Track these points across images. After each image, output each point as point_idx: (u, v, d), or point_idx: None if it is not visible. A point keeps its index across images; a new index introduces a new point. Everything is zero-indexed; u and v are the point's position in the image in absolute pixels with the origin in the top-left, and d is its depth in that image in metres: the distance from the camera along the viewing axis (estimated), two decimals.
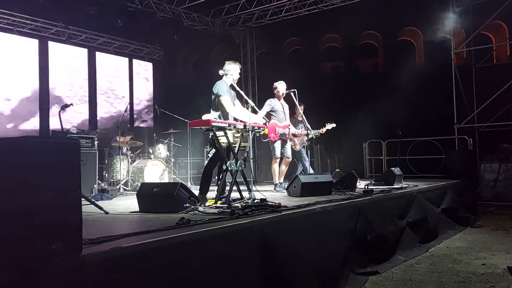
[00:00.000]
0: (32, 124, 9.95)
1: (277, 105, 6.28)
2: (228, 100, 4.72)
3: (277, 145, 6.16)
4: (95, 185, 6.57)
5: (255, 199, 4.11)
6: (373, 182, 6.41)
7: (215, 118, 4.64)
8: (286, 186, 5.63)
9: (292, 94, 6.16)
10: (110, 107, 11.58)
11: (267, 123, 5.63)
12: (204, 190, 4.69)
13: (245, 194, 4.35)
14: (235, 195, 4.39)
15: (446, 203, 6.27)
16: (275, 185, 6.15)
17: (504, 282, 3.66)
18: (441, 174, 8.24)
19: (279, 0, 9.67)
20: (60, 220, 1.92)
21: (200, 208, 3.75)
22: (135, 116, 12.30)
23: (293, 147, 6.69)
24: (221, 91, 4.71)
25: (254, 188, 4.41)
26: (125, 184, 7.31)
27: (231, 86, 4.84)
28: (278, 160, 6.21)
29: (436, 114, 9.01)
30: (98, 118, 11.22)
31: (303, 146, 6.94)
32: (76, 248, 1.99)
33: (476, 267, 4.15)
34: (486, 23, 8.75)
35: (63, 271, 1.87)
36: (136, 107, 12.39)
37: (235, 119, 4.77)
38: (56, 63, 10.45)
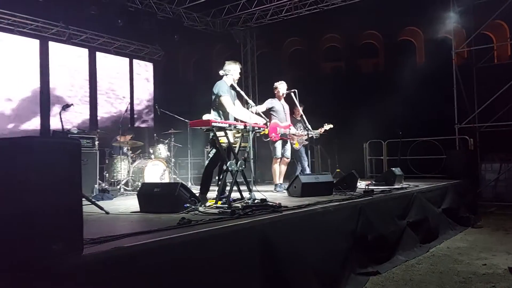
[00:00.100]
0: (33, 124, 9.96)
1: (277, 105, 6.28)
2: (228, 100, 4.72)
3: (278, 145, 6.16)
4: (95, 185, 6.57)
5: (255, 199, 4.12)
6: (373, 182, 6.40)
7: (216, 118, 4.64)
8: (286, 186, 5.63)
9: (292, 94, 6.16)
10: (110, 107, 11.59)
11: (268, 123, 5.63)
12: (204, 190, 4.69)
13: (246, 194, 4.35)
14: (235, 195, 4.39)
15: (447, 203, 6.27)
16: (276, 185, 6.15)
17: (505, 283, 3.66)
18: (442, 174, 8.23)
19: (280, 0, 9.67)
20: (61, 220, 1.93)
21: (201, 208, 3.75)
22: (135, 116, 12.30)
23: (293, 145, 6.70)
24: (222, 91, 4.71)
25: (254, 188, 4.41)
26: (126, 184, 7.31)
27: (232, 86, 4.84)
28: (279, 160, 6.21)
29: (437, 114, 9.00)
30: (98, 118, 11.22)
31: (302, 146, 6.95)
32: (77, 248, 1.99)
33: (477, 268, 4.15)
34: (487, 23, 8.75)
35: (64, 271, 1.87)
36: (137, 107, 12.39)
37: (235, 119, 4.77)
38: (56, 63, 10.45)
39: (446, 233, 5.76)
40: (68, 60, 10.69)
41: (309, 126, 6.27)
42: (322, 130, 6.91)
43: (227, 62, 4.96)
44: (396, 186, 6.01)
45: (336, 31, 12.09)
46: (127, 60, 12.14)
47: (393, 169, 6.44)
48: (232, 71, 4.87)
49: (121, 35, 11.23)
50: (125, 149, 7.60)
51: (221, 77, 4.84)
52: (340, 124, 7.15)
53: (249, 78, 11.60)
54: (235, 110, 4.81)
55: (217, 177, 5.18)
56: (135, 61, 12.35)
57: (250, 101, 4.77)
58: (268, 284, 2.91)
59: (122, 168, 7.39)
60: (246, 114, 4.77)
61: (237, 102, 5.01)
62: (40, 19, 9.79)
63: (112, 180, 7.45)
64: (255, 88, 11.66)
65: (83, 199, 3.23)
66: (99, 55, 11.39)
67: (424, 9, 9.67)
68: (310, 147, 6.72)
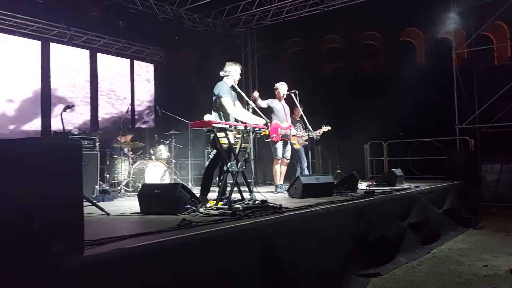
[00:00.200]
0: (34, 125, 9.97)
1: (277, 105, 6.29)
2: (229, 101, 4.72)
3: (279, 146, 6.16)
4: (96, 186, 6.57)
5: (256, 200, 4.12)
6: (374, 183, 6.40)
7: (216, 119, 4.64)
8: (286, 187, 5.62)
9: (293, 95, 6.17)
10: (111, 108, 11.60)
11: (268, 123, 5.63)
12: (205, 191, 4.69)
13: (246, 195, 4.35)
14: (236, 196, 4.39)
15: (448, 204, 6.25)
16: (276, 186, 6.15)
17: (506, 284, 3.66)
18: (443, 175, 8.21)
19: (280, 1, 9.68)
20: (61, 221, 1.93)
21: (201, 209, 3.75)
22: (136, 117, 12.31)
23: (293, 145, 6.70)
24: (222, 92, 4.71)
25: (255, 189, 4.41)
26: (126, 185, 7.31)
27: (232, 87, 4.84)
28: (280, 161, 6.21)
29: (437, 115, 9.00)
30: (99, 119, 11.24)
31: (302, 146, 6.95)
32: (78, 249, 1.99)
33: (478, 269, 4.14)
34: (487, 24, 8.74)
35: (65, 272, 1.87)
36: (138, 108, 12.40)
37: (236, 120, 4.78)
38: (58, 65, 10.47)
39: (447, 234, 5.75)
40: (69, 61, 10.71)
41: (310, 127, 6.27)
42: (320, 131, 6.92)
43: (227, 63, 4.97)
44: (397, 187, 6.00)
45: (337, 32, 12.10)
46: (128, 61, 12.17)
47: (394, 170, 6.43)
48: (232, 72, 4.88)
49: (122, 36, 11.25)
50: (125, 150, 7.61)
51: (221, 78, 4.85)
52: (341, 125, 7.16)
53: (250, 79, 11.60)
54: (235, 111, 4.82)
55: (217, 178, 5.18)
56: (136, 62, 12.37)
57: (250, 102, 4.77)
58: (270, 285, 2.90)
59: (123, 169, 7.39)
60: (246, 115, 4.77)
61: (238, 103, 5.01)
62: (42, 21, 9.82)
63: (113, 181, 7.45)
64: (256, 89, 11.65)
65: (84, 200, 3.24)
66: (100, 56, 11.41)
67: (424, 10, 9.67)
68: (311, 148, 6.71)
